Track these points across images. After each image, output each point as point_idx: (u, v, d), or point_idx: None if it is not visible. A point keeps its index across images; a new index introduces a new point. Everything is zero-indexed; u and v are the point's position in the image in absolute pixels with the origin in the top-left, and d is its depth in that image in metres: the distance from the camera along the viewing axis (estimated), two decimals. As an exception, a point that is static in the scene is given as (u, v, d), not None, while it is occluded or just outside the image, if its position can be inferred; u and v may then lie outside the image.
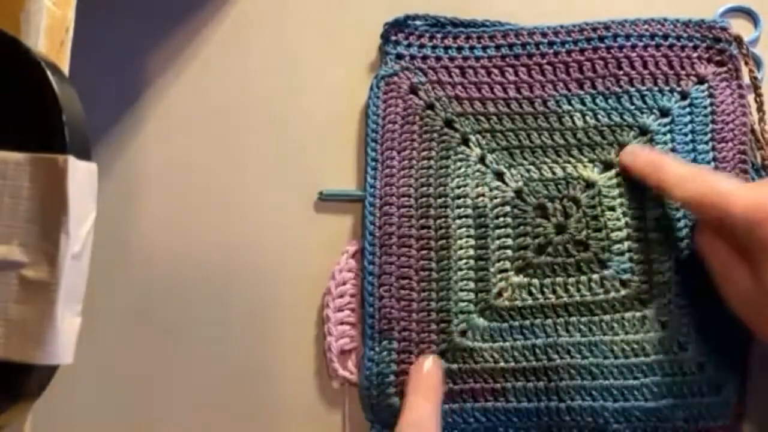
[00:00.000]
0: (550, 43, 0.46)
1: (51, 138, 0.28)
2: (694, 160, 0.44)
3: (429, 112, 0.46)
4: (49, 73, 0.29)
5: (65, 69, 0.32)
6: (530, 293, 0.43)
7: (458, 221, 0.44)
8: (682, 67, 0.45)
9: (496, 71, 0.46)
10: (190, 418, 0.44)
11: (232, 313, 0.45)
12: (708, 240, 0.39)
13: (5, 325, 0.28)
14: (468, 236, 0.44)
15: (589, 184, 0.44)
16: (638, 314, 0.42)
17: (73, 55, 0.33)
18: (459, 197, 0.44)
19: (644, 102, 0.45)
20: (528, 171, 0.45)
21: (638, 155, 0.43)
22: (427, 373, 0.41)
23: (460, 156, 0.45)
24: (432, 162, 0.45)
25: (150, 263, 0.46)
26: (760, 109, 0.45)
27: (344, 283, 0.44)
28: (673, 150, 0.44)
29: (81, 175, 0.29)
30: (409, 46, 0.47)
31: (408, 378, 0.42)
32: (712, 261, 0.39)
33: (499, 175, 0.45)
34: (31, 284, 0.28)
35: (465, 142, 0.45)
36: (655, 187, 0.42)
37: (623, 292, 0.42)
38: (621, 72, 0.45)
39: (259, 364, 0.45)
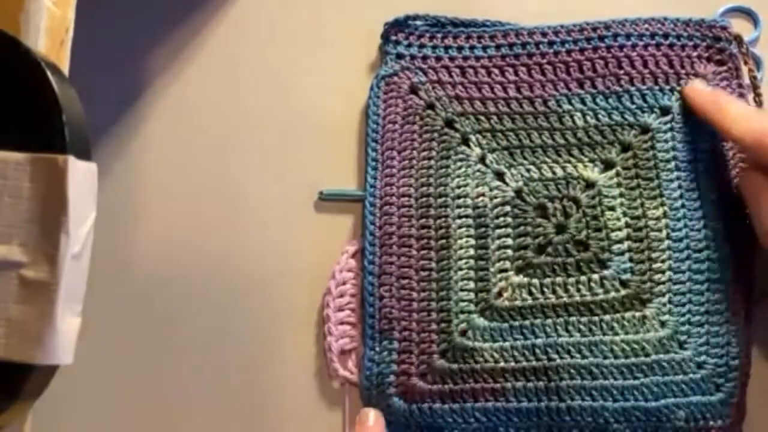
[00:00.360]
0: (550, 43, 0.46)
1: (51, 138, 0.28)
2: (695, 159, 0.44)
3: (429, 111, 0.46)
4: (49, 73, 0.29)
5: (65, 69, 0.32)
6: (530, 293, 0.43)
7: (458, 221, 0.44)
8: (682, 66, 0.45)
9: (496, 71, 0.46)
10: (190, 418, 0.44)
11: (232, 313, 0.45)
12: (755, 181, 0.40)
13: (5, 325, 0.28)
14: (468, 236, 0.44)
15: (589, 184, 0.44)
16: (638, 314, 0.42)
17: (73, 55, 0.33)
18: (459, 197, 0.44)
19: (645, 101, 0.45)
20: (528, 171, 0.45)
21: (701, 91, 0.44)
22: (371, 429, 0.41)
23: (461, 156, 0.45)
24: (432, 162, 0.45)
25: (150, 263, 0.46)
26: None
27: (344, 283, 0.44)
28: (673, 149, 0.44)
29: (81, 175, 0.29)
30: (409, 46, 0.47)
31: None
32: (757, 202, 0.40)
33: (500, 175, 0.45)
34: (31, 284, 0.28)
35: (465, 141, 0.45)
36: (715, 123, 0.42)
37: (623, 292, 0.42)
38: (621, 71, 0.45)
39: (260, 363, 0.45)
